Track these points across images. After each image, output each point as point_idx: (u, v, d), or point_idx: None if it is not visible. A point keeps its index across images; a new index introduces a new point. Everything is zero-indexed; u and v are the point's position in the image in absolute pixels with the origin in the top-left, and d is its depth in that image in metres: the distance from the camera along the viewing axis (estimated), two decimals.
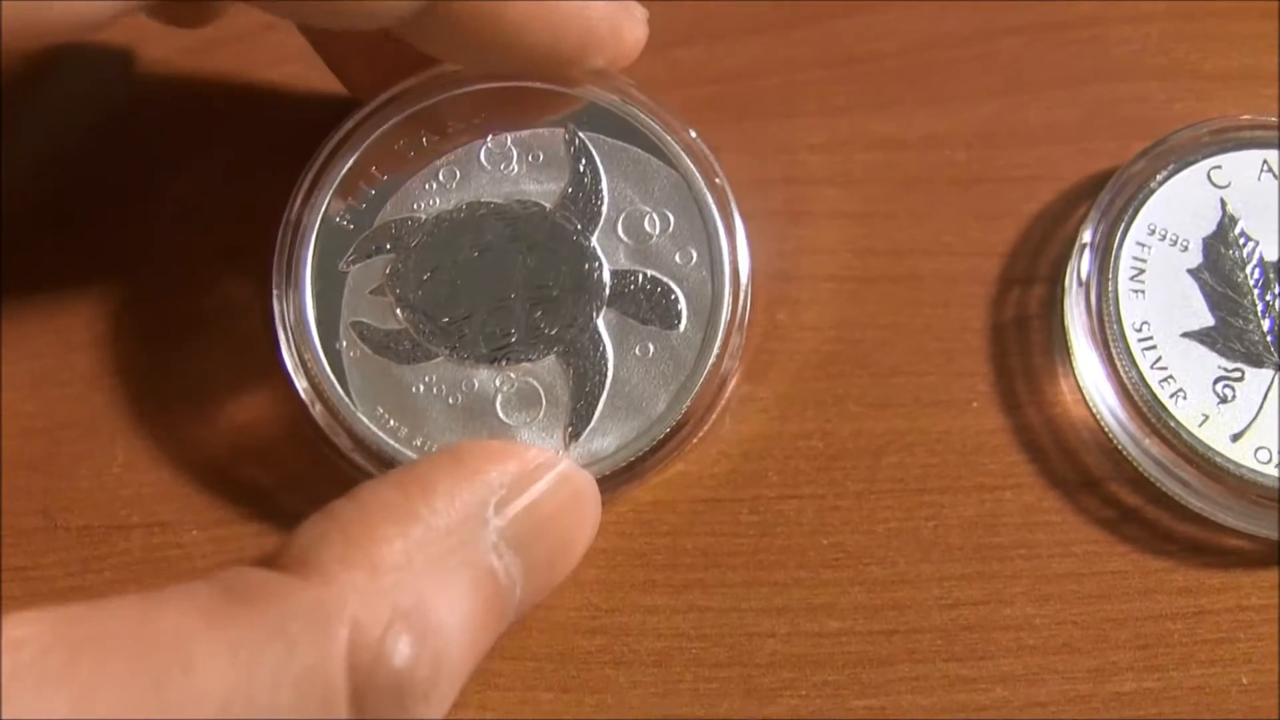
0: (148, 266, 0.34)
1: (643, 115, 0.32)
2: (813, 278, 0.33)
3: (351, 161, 0.32)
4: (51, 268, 0.34)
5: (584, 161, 0.32)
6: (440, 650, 0.24)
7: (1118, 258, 0.32)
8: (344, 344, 0.32)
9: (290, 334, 0.32)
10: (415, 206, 0.32)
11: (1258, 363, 0.31)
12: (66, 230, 0.34)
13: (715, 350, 0.31)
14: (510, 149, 0.33)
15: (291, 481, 0.32)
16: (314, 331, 0.32)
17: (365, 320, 0.32)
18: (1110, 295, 0.31)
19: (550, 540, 0.27)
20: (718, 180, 0.32)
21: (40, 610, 0.21)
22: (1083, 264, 0.31)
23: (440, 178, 0.32)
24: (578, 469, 0.28)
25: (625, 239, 0.32)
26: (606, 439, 0.31)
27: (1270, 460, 0.30)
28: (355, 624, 0.23)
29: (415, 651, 0.24)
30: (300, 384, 0.31)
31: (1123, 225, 0.32)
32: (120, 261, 0.34)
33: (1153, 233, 0.32)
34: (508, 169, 0.32)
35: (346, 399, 0.31)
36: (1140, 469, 0.31)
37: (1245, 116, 0.33)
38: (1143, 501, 0.31)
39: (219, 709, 0.22)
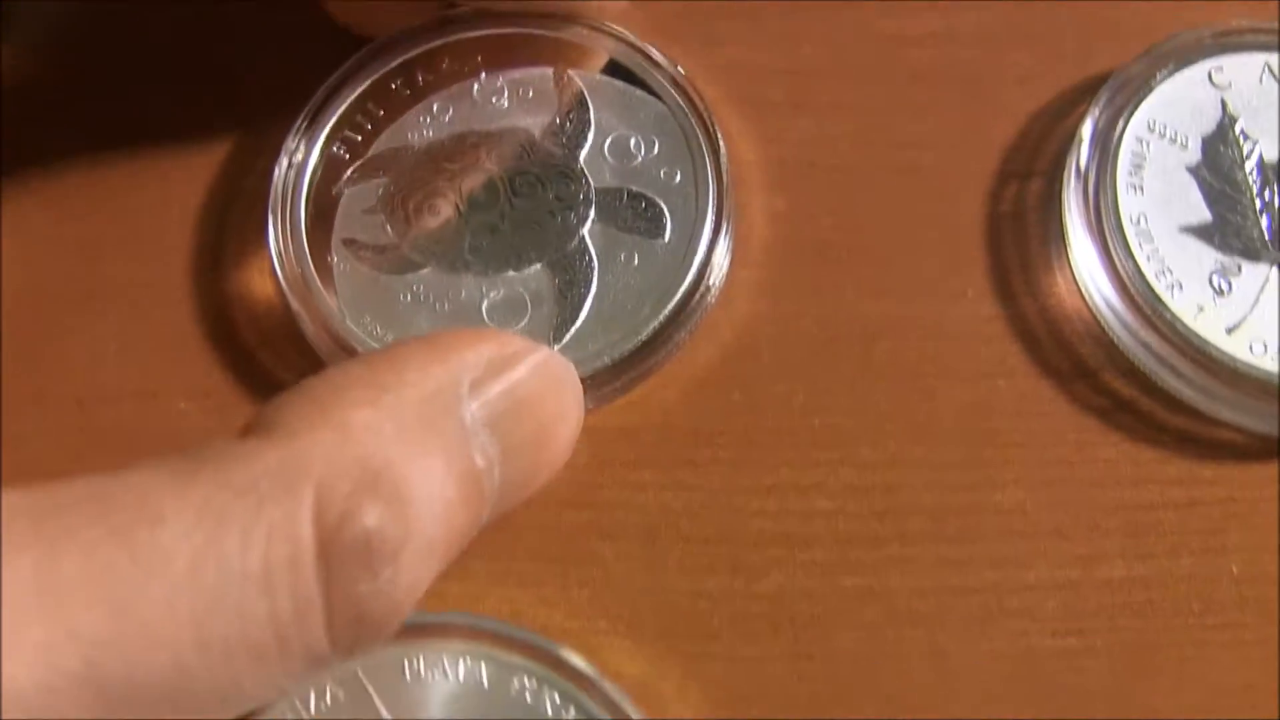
0: (150, 149, 0.33)
1: (633, 53, 0.33)
2: (812, 166, 0.33)
3: (350, 99, 0.34)
4: (51, 145, 0.33)
5: (571, 94, 0.33)
6: (409, 517, 0.24)
7: (1116, 151, 0.32)
8: (335, 258, 0.32)
9: (285, 250, 0.32)
10: (409, 137, 0.33)
11: (1255, 258, 0.31)
12: (69, 111, 0.33)
13: (699, 258, 0.31)
14: (502, 86, 0.34)
15: (281, 361, 0.32)
16: (306, 248, 0.32)
17: (357, 237, 0.32)
18: (1108, 187, 0.31)
19: (529, 426, 0.26)
20: (702, 110, 0.33)
21: (9, 488, 0.21)
22: (1081, 156, 0.31)
23: (434, 111, 0.34)
24: (559, 356, 0.27)
25: (611, 160, 0.33)
26: (591, 344, 0.30)
27: (1265, 353, 0.30)
28: (322, 483, 0.23)
29: (383, 512, 0.23)
30: (293, 301, 0.31)
31: (1122, 120, 0.32)
32: (120, 141, 0.33)
33: (1152, 129, 0.32)
34: (499, 103, 0.34)
35: (336, 309, 0.31)
36: (1134, 360, 0.31)
37: (1248, 21, 0.32)
38: (1136, 393, 0.31)
39: (188, 567, 0.22)
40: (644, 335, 0.30)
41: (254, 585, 0.22)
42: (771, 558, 0.30)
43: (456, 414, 0.25)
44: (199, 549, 0.22)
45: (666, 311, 0.30)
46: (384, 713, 0.28)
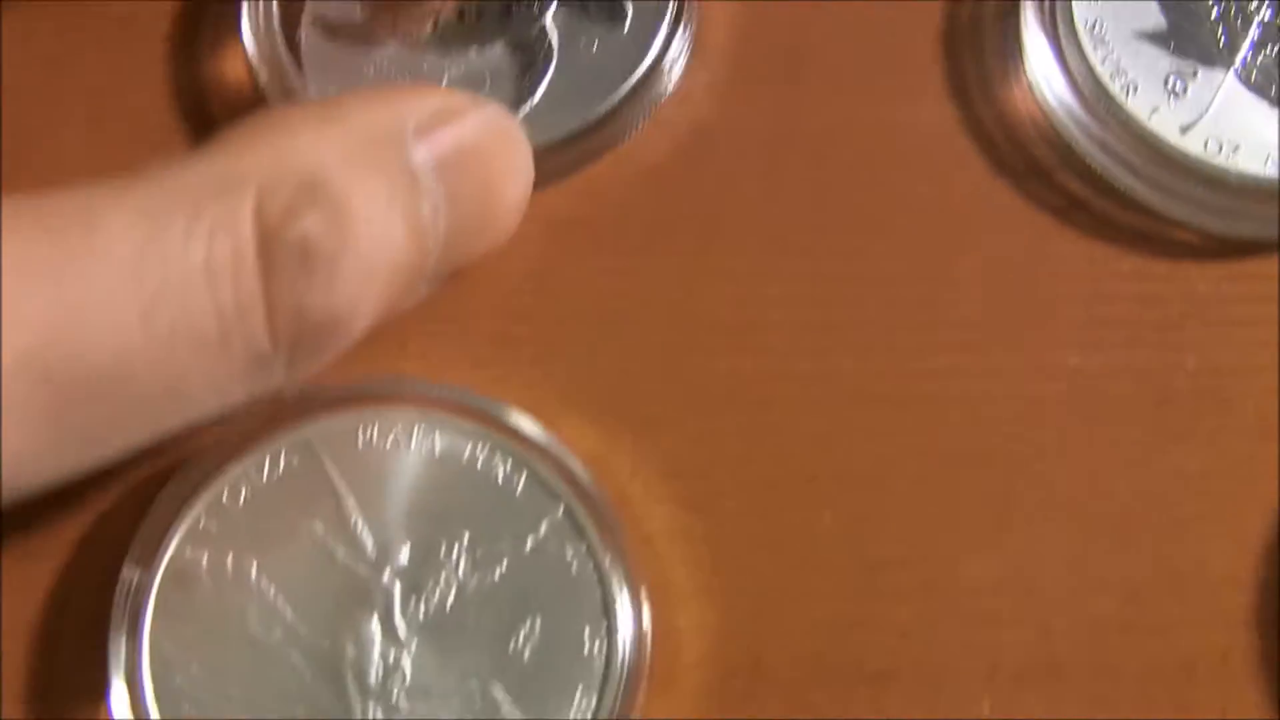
0: None
1: None
2: None
3: None
4: None
5: None
6: (348, 229, 0.24)
7: None
8: (304, 34, 0.32)
9: (257, 28, 0.32)
10: None
11: (1209, 63, 0.31)
12: None
13: (656, 48, 0.31)
14: None
15: None
16: (278, 26, 0.32)
17: (326, 14, 0.32)
18: None
19: (476, 178, 0.26)
20: None
21: None
22: None
23: None
24: (507, 114, 0.27)
25: None
26: (546, 119, 0.30)
27: (1220, 151, 0.30)
28: (263, 187, 0.23)
29: (322, 218, 0.23)
30: (261, 74, 0.31)
31: None
32: None
33: None
34: None
35: (301, 81, 0.31)
36: (1089, 160, 0.31)
37: None
38: (1091, 193, 0.31)
39: (131, 260, 0.22)
40: (597, 114, 0.30)
41: (198, 277, 0.22)
42: (728, 342, 0.30)
43: (401, 152, 0.25)
44: (140, 244, 0.22)
45: (620, 94, 0.30)
46: (336, 480, 0.28)
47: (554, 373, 0.30)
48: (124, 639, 0.28)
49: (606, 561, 0.27)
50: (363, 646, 0.27)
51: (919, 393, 0.31)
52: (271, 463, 0.28)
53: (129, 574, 0.28)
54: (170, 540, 0.28)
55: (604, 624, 0.27)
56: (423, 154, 0.25)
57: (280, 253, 0.23)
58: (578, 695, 0.27)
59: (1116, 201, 0.31)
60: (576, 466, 0.28)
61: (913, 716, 0.28)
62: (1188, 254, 0.31)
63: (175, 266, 0.22)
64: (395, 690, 0.27)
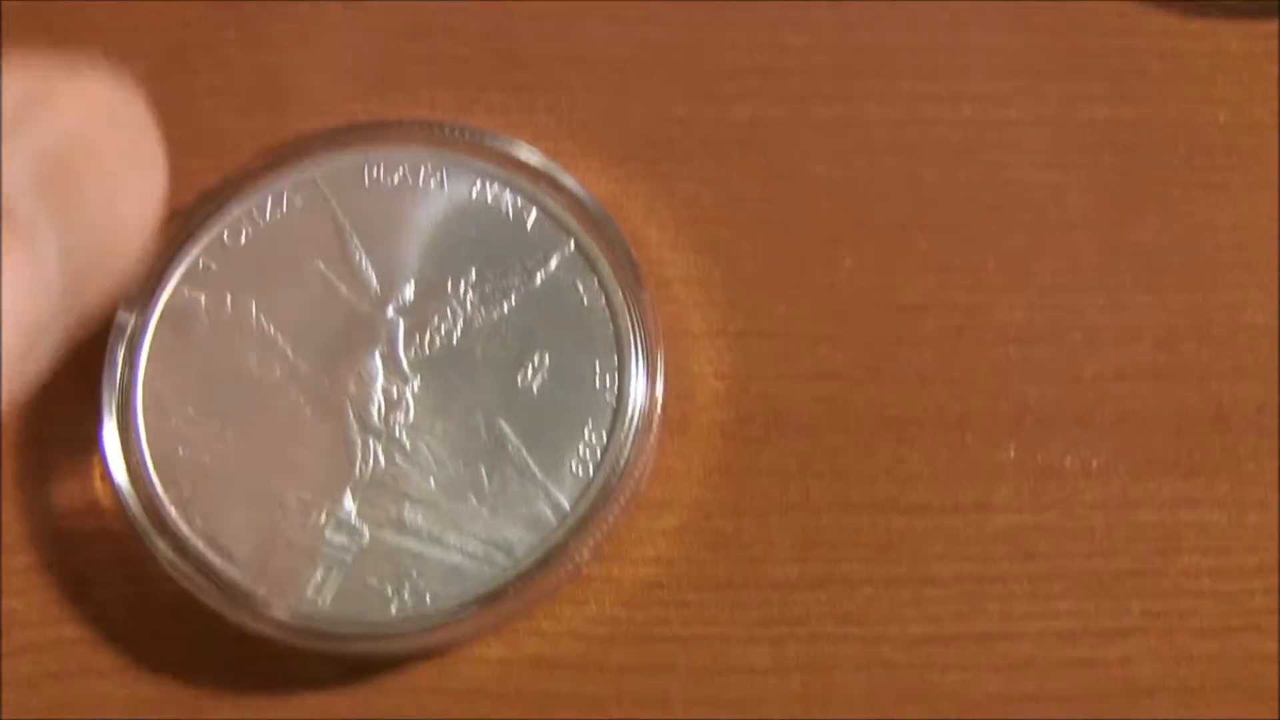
0: None
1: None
2: None
3: None
4: None
5: None
6: None
7: None
8: None
9: None
10: None
11: None
12: None
13: None
14: None
15: None
16: None
17: None
18: None
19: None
20: None
21: None
22: None
23: None
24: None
25: None
26: None
27: None
28: None
29: None
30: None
31: None
32: None
33: None
34: None
35: None
36: None
37: None
38: None
39: None
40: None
41: None
42: (744, 88, 0.30)
43: None
44: None
45: None
46: (341, 218, 0.27)
47: (568, 119, 0.29)
48: (117, 382, 0.26)
49: (619, 297, 0.26)
50: (364, 383, 0.26)
51: (941, 142, 0.30)
52: (274, 202, 0.27)
53: (124, 317, 0.27)
54: (168, 281, 0.27)
55: (614, 360, 0.26)
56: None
57: None
58: (586, 432, 0.26)
59: None
60: (589, 201, 0.27)
61: (935, 462, 0.27)
62: (1220, 13, 0.30)
63: None
64: (398, 426, 0.26)
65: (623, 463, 0.26)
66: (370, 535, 0.25)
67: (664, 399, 0.26)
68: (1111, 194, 0.29)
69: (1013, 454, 0.27)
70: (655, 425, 0.26)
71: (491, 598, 0.25)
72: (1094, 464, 0.27)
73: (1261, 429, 0.27)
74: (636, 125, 0.29)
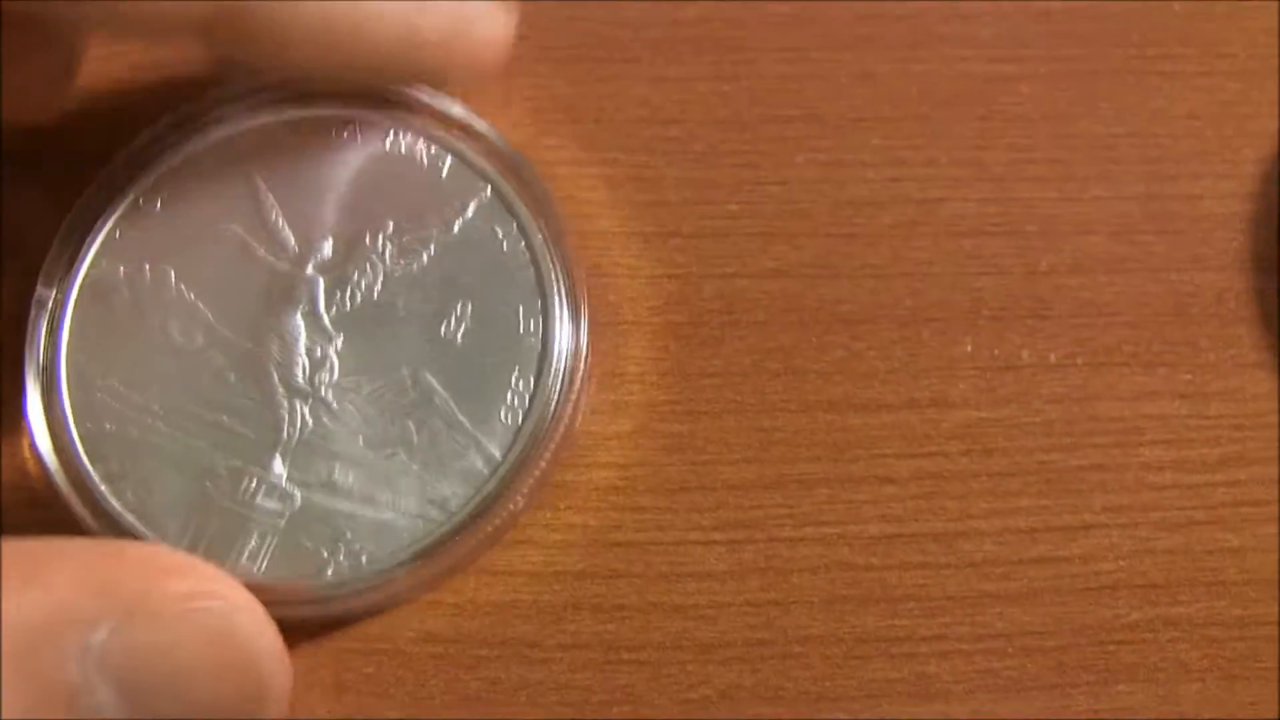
0: None
1: None
2: None
3: None
4: None
5: None
6: None
7: None
8: None
9: None
10: None
11: None
12: None
13: None
14: None
15: None
16: None
17: None
18: None
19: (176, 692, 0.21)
20: None
21: None
22: None
23: None
24: (249, 601, 0.22)
25: None
26: None
27: None
28: None
29: None
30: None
31: None
32: None
33: None
34: None
35: None
36: None
37: None
38: None
39: None
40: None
41: None
42: None
43: (63, 661, 0.20)
44: None
45: None
46: (255, 178, 0.27)
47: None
48: (40, 357, 0.26)
49: (539, 240, 0.26)
50: (288, 344, 0.26)
51: (893, 35, 0.29)
52: (189, 166, 0.26)
53: (44, 293, 0.26)
54: (86, 252, 0.26)
55: (538, 304, 0.26)
56: (97, 660, 0.20)
57: None
58: (514, 379, 0.25)
59: None
60: (504, 147, 0.27)
61: (890, 358, 0.26)
62: None
63: None
64: (323, 385, 0.25)
65: (552, 408, 0.25)
66: (302, 498, 0.24)
67: (589, 343, 0.26)
68: (1063, 84, 0.29)
69: (969, 348, 0.27)
70: (584, 368, 0.26)
71: (426, 553, 0.25)
72: (1051, 357, 0.27)
73: (1221, 318, 0.27)
74: (584, 25, 0.28)
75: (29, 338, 0.26)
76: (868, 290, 0.27)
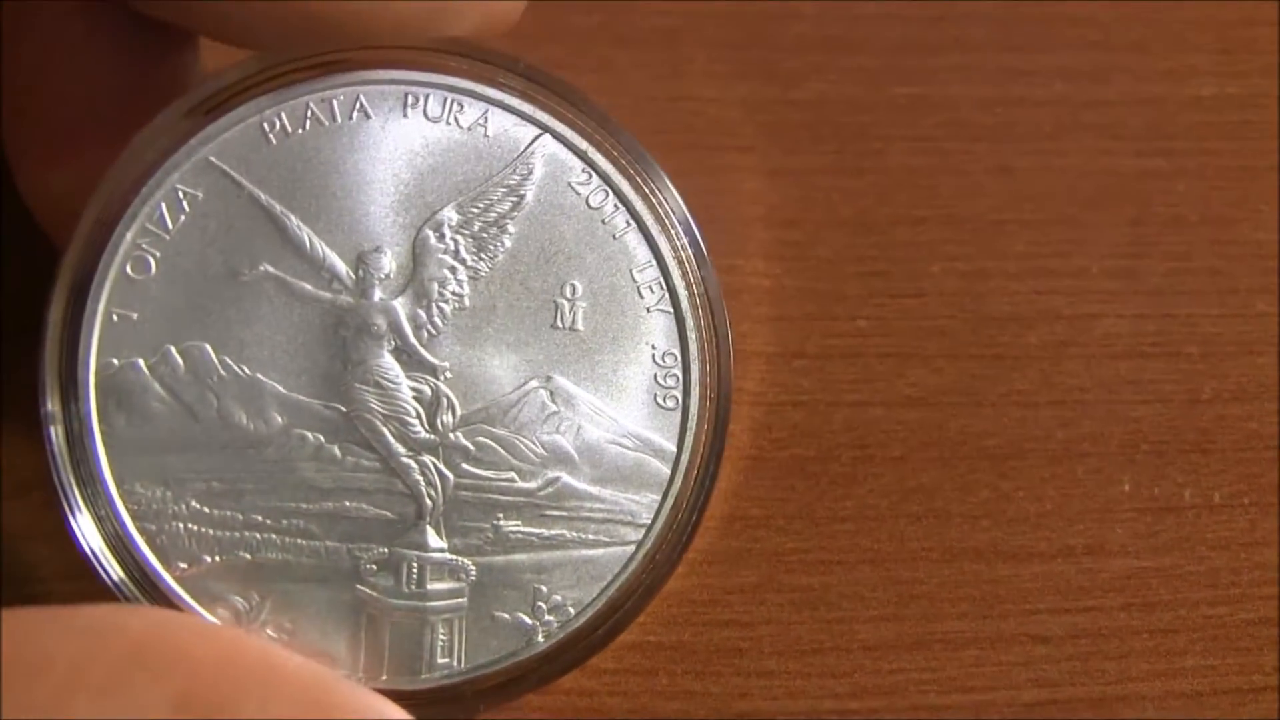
0: None
1: None
2: None
3: None
4: None
5: None
6: None
7: None
8: None
9: None
10: None
11: None
12: None
13: None
14: None
15: None
16: None
17: None
18: None
19: None
20: None
21: None
22: None
23: None
24: None
25: None
26: None
27: None
28: None
29: None
30: None
31: None
32: None
33: None
34: None
35: None
36: None
37: None
38: None
39: None
40: None
41: None
42: (811, 63, 0.25)
43: None
44: None
45: None
46: (260, 196, 0.21)
47: (614, 107, 0.23)
48: (72, 497, 0.21)
49: (623, 183, 0.21)
50: (387, 391, 0.21)
51: (1033, 124, 0.27)
52: (170, 205, 0.22)
53: (50, 409, 0.21)
54: (85, 355, 0.21)
55: (650, 257, 0.21)
56: None
57: None
58: (652, 354, 0.21)
59: None
60: (547, 77, 0.21)
61: (1041, 500, 0.24)
62: None
63: None
64: (448, 428, 0.21)
65: (722, 382, 0.21)
66: (476, 567, 0.20)
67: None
68: (1219, 179, 0.25)
69: (1127, 488, 0.24)
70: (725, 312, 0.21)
71: (636, 578, 0.21)
72: (1216, 497, 0.25)
73: None
74: (692, 108, 0.25)
75: (51, 472, 0.21)
76: (1015, 421, 0.24)
